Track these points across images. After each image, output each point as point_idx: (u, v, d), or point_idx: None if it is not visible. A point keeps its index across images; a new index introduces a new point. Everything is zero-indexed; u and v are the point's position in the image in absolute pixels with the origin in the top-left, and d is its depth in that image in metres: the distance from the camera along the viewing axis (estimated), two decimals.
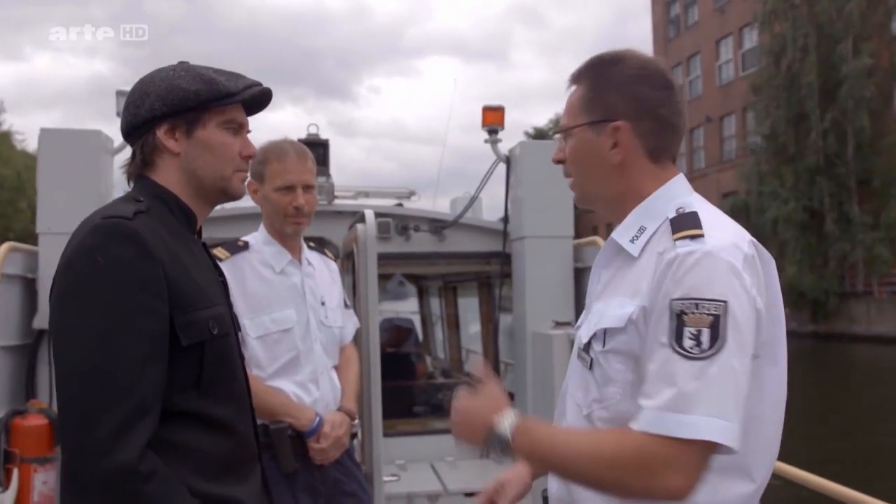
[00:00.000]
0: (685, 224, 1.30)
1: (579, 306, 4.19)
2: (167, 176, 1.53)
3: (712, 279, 1.21)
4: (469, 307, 6.45)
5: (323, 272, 2.70)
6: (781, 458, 1.47)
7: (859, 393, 16.26)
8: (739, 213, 28.13)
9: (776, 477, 1.36)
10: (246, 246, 2.55)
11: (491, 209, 5.40)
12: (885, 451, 10.30)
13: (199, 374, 1.42)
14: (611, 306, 1.35)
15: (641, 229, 1.37)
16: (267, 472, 1.69)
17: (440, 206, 6.33)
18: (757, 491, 1.33)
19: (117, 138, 3.97)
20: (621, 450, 1.20)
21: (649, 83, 1.41)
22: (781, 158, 28.17)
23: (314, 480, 2.49)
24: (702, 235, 1.26)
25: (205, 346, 1.43)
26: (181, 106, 1.49)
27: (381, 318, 6.19)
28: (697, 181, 32.93)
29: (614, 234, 1.42)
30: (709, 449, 1.18)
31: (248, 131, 1.61)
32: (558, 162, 1.50)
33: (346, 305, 2.81)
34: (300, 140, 3.21)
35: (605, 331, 1.33)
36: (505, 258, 4.54)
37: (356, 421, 2.67)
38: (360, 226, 3.17)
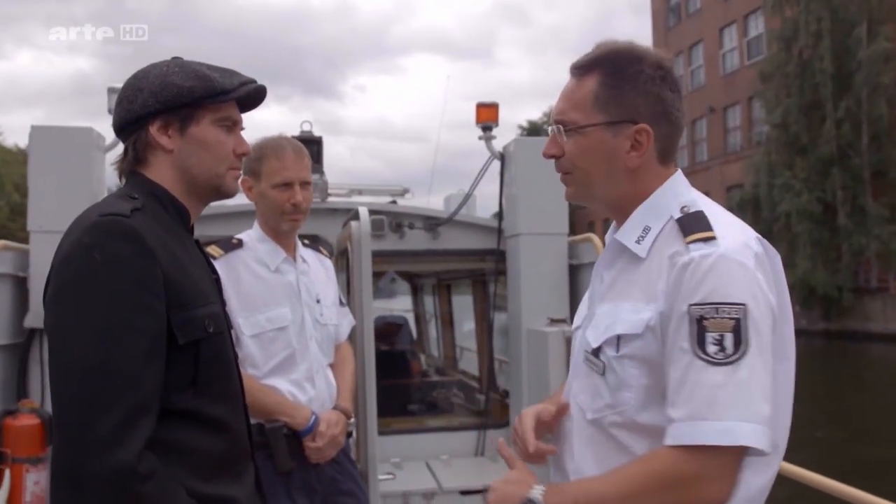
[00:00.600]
0: (695, 226, 1.33)
1: (574, 303, 4.29)
2: (160, 173, 1.55)
3: (730, 283, 1.26)
4: (463, 305, 6.49)
5: (318, 270, 2.75)
6: (792, 462, 1.50)
7: (877, 395, 15.93)
8: (747, 206, 27.88)
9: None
10: (240, 244, 2.60)
11: (483, 207, 5.53)
12: None
13: (195, 373, 1.45)
14: (623, 310, 1.38)
15: (646, 229, 1.40)
16: (262, 471, 1.72)
17: (433, 203, 6.42)
18: (769, 482, 1.37)
19: (107, 135, 4.03)
20: (652, 475, 1.25)
21: (668, 84, 1.42)
22: (793, 149, 27.93)
23: (310, 480, 2.54)
24: (714, 238, 1.30)
25: (200, 345, 1.46)
26: (175, 102, 1.51)
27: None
28: (700, 174, 32.77)
29: (618, 236, 1.45)
30: (738, 453, 1.23)
31: (242, 129, 1.63)
32: (552, 157, 1.48)
33: (341, 303, 2.85)
34: (294, 137, 3.31)
35: (618, 336, 1.36)
36: (499, 255, 4.61)
37: (352, 419, 2.71)
38: (354, 223, 3.22)
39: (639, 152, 1.41)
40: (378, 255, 3.75)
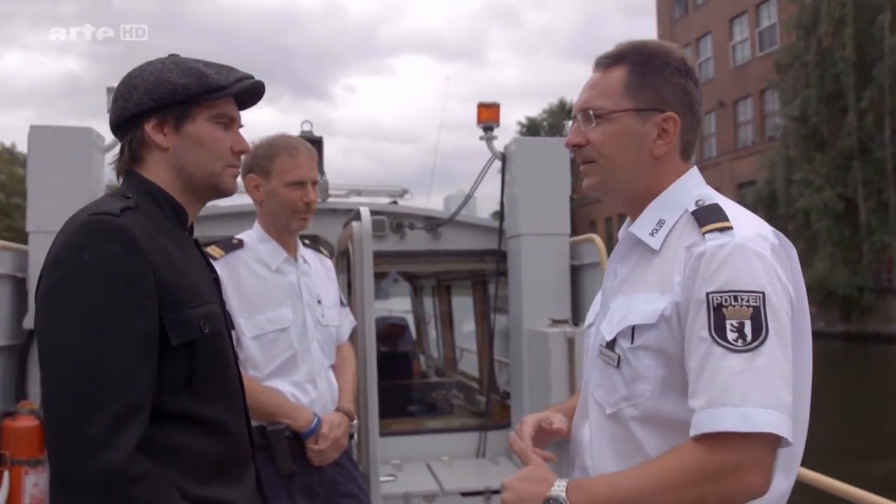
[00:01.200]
0: (711, 217, 1.35)
1: (576, 304, 4.37)
2: (156, 171, 1.55)
3: (747, 270, 1.27)
4: (464, 305, 6.53)
5: (319, 270, 2.77)
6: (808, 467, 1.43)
7: None
8: (762, 203, 27.18)
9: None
10: (240, 244, 2.62)
11: (482, 207, 5.61)
12: None
13: (190, 374, 1.45)
14: (637, 301, 1.39)
15: (661, 222, 1.43)
16: (264, 474, 1.72)
17: (433, 203, 6.49)
18: (790, 488, 1.37)
19: (107, 135, 4.07)
20: (687, 467, 1.23)
21: (693, 79, 1.48)
22: (813, 142, 27.06)
23: (312, 482, 2.56)
24: (730, 227, 1.32)
25: (196, 345, 1.45)
26: (169, 100, 1.50)
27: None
28: (709, 171, 31.92)
29: (632, 229, 1.47)
30: (770, 441, 1.22)
31: (241, 126, 1.62)
32: (576, 146, 1.49)
33: (342, 304, 2.87)
34: None
35: (633, 327, 1.38)
36: (500, 256, 4.67)
37: (355, 421, 2.73)
38: (355, 223, 3.25)
39: (665, 140, 1.44)
40: (379, 256, 3.80)
